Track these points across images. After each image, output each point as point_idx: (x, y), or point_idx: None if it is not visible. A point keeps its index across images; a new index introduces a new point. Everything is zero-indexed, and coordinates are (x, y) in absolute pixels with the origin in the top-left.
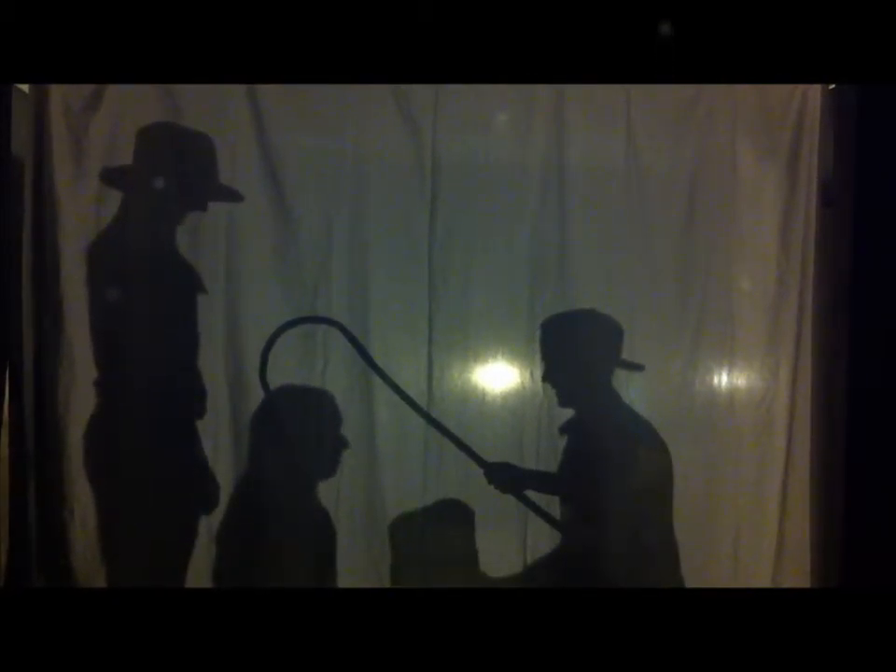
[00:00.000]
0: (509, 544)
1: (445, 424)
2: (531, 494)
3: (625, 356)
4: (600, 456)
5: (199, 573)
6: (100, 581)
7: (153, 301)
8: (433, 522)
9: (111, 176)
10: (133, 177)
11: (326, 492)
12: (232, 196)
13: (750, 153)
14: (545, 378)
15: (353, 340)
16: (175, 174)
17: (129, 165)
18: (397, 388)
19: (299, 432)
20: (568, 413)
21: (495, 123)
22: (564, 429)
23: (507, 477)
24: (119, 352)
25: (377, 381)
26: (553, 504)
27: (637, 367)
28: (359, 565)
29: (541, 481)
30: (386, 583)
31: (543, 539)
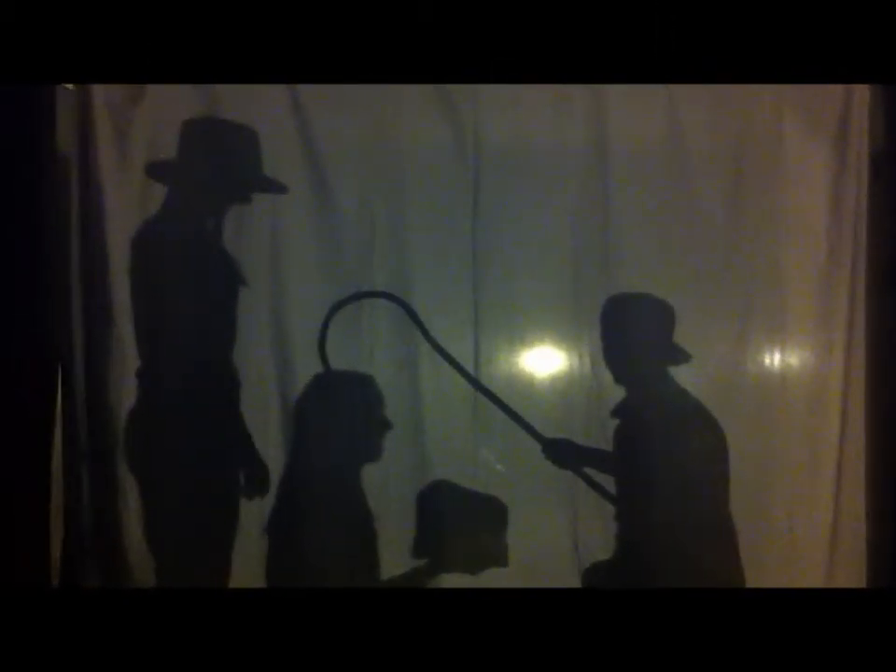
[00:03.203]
0: (558, 524)
1: (494, 410)
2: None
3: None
4: (654, 439)
5: (249, 561)
6: (154, 574)
7: (198, 291)
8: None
9: (156, 170)
10: (178, 170)
11: (375, 475)
12: (277, 188)
13: (797, 125)
14: (604, 356)
15: (413, 316)
16: (220, 166)
17: (173, 158)
18: (457, 365)
19: (346, 417)
20: (620, 395)
21: (535, 104)
22: (616, 413)
23: (565, 452)
24: (166, 343)
25: (424, 364)
26: (607, 484)
27: (685, 356)
28: (408, 548)
29: (600, 458)
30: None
31: (594, 519)
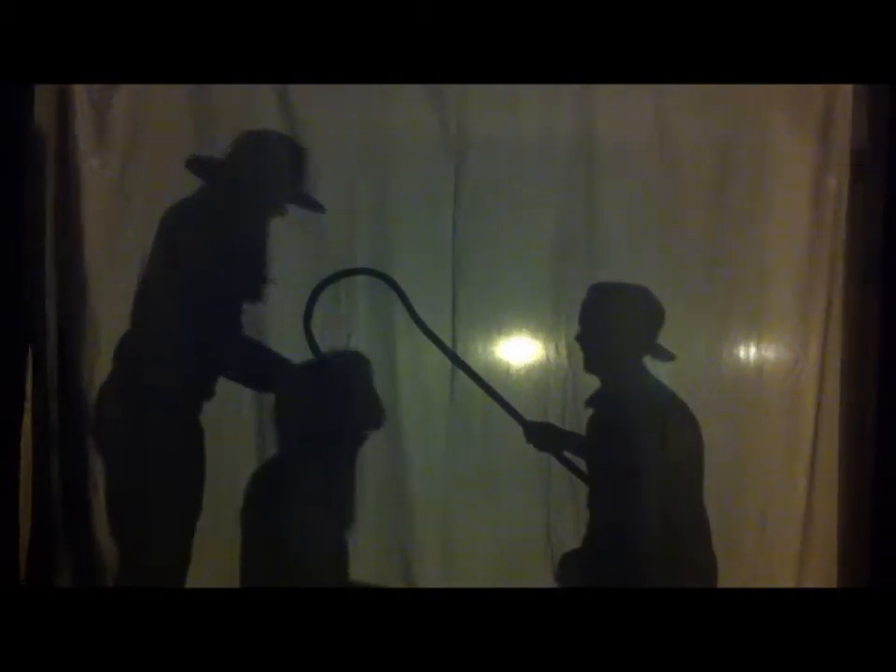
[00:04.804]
0: (531, 510)
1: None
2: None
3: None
4: (628, 430)
5: (223, 546)
6: (120, 554)
7: (175, 275)
8: None
9: (197, 164)
10: (222, 170)
11: (349, 465)
12: (316, 207)
13: (782, 123)
14: (577, 338)
15: (397, 289)
16: (267, 177)
17: (221, 158)
18: (439, 342)
19: (321, 405)
20: (596, 385)
21: (521, 96)
22: (590, 402)
23: (547, 436)
24: (142, 325)
25: (401, 354)
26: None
27: (668, 356)
28: (383, 541)
29: (579, 444)
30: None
31: (567, 507)
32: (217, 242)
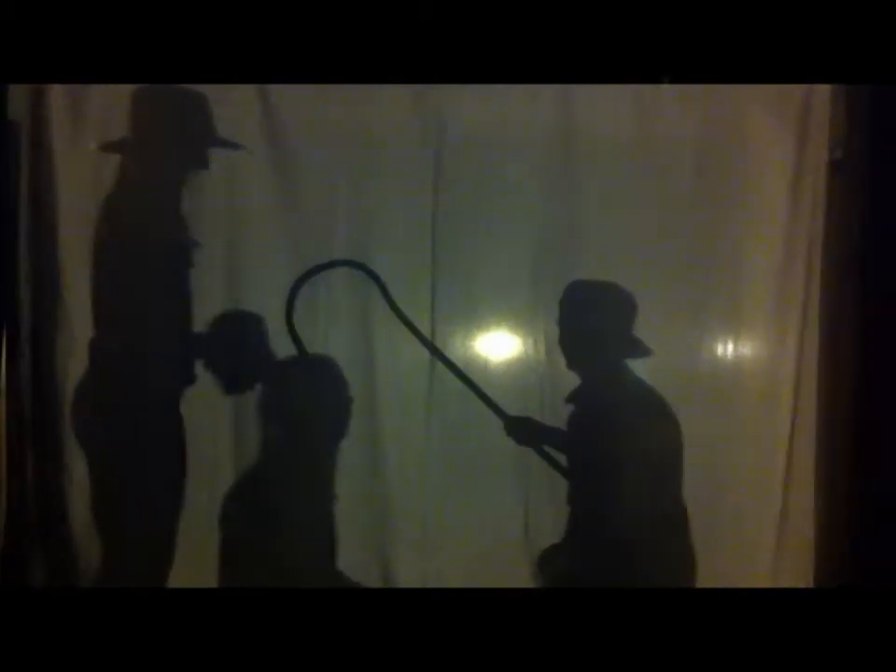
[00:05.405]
0: (511, 506)
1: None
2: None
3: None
4: (608, 425)
5: (203, 544)
6: (97, 548)
7: (153, 265)
8: None
9: (111, 146)
10: (132, 141)
11: (327, 462)
12: (233, 146)
13: (760, 116)
14: (559, 340)
15: (382, 286)
16: (173, 132)
17: (127, 133)
18: (419, 334)
19: (300, 402)
20: (574, 381)
21: (502, 90)
22: (570, 398)
23: (527, 431)
24: (117, 315)
25: (379, 348)
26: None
27: (645, 351)
28: (360, 536)
29: (560, 438)
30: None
31: (545, 499)
32: (150, 211)
